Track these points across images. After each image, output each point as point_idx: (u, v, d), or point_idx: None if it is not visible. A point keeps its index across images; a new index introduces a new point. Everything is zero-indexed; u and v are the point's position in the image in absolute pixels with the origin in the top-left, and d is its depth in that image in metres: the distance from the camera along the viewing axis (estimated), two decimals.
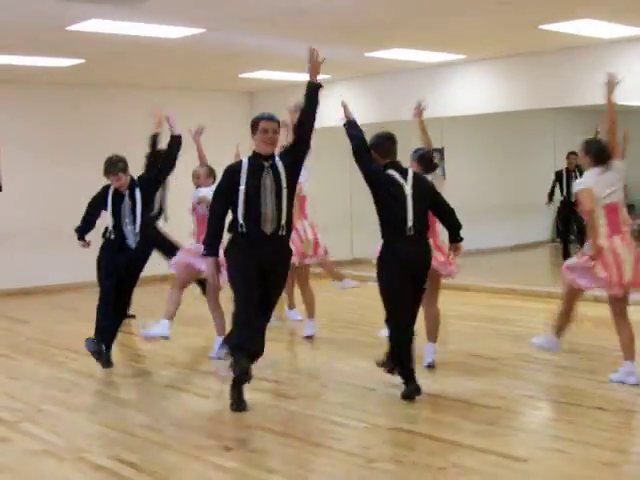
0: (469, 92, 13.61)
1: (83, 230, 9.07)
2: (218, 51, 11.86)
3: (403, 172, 7.20)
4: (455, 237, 7.45)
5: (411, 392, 7.07)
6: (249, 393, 7.29)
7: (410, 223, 7.02)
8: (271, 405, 7.16)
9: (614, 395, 7.18)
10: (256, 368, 8.23)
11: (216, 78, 15.00)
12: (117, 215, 8.69)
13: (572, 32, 10.76)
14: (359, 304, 11.55)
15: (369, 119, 14.58)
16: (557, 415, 6.96)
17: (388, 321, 7.16)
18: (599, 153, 7.51)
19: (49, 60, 12.33)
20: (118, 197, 8.75)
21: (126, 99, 15.51)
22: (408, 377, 7.10)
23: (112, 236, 8.69)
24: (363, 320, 9.92)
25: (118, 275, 8.61)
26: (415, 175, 7.27)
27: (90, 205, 9.08)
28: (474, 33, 11.03)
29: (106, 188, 8.91)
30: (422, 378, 7.31)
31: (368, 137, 7.37)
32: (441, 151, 16.11)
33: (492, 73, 13.38)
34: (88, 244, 9.11)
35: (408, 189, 7.08)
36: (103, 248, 8.87)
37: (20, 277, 14.40)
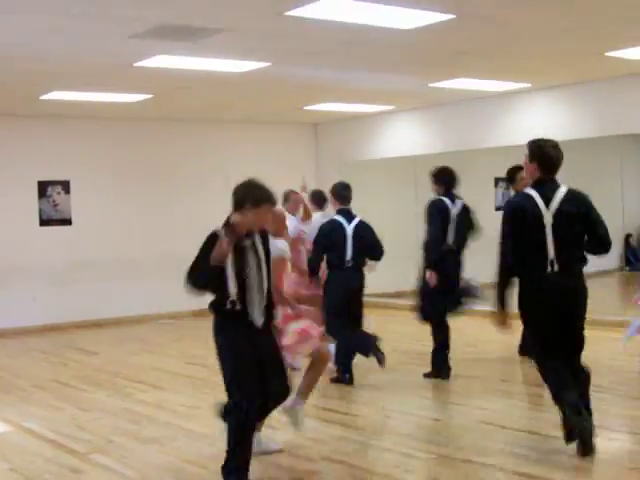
0: (535, 121, 13.53)
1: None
2: (283, 84, 11.96)
3: (350, 219, 9.20)
4: None
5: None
6: (315, 424, 7.30)
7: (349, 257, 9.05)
8: (340, 436, 7.16)
9: None
10: (326, 399, 8.27)
11: (281, 110, 15.12)
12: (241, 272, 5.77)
13: (638, 58, 10.67)
14: (422, 335, 11.52)
15: (434, 149, 14.62)
16: (631, 446, 6.86)
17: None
18: None
19: (117, 96, 12.54)
20: (239, 247, 5.77)
21: (193, 132, 15.69)
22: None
23: (238, 306, 5.74)
24: (426, 350, 9.85)
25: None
26: (360, 221, 9.21)
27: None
28: (539, 61, 10.99)
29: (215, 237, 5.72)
30: (491, 409, 7.25)
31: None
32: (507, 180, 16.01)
33: (558, 101, 13.31)
34: None
35: (350, 231, 9.06)
36: (223, 329, 5.85)
37: (90, 309, 14.58)
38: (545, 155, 6.24)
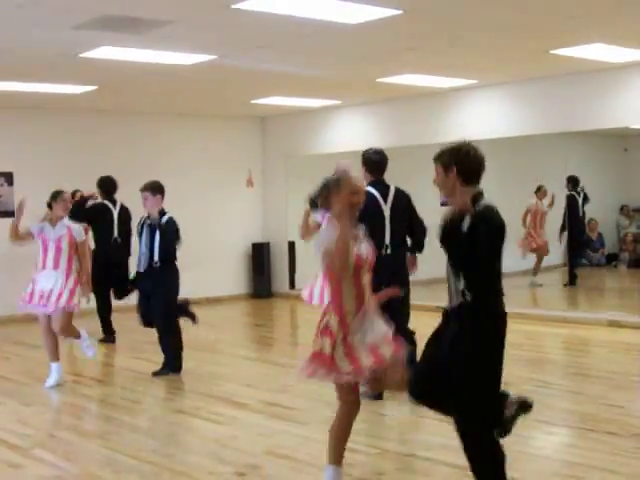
0: (481, 117, 13.63)
1: None
2: (229, 77, 11.91)
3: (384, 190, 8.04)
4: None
5: None
6: (258, 418, 7.30)
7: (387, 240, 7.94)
8: (283, 430, 7.15)
9: (627, 420, 7.16)
10: (270, 392, 8.27)
11: (228, 104, 15.06)
12: None
13: (583, 57, 10.78)
14: None
15: (380, 144, 14.60)
16: (571, 440, 6.92)
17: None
18: None
19: (62, 87, 12.40)
20: None
21: (138, 125, 15.57)
22: None
23: None
24: None
25: None
26: (396, 192, 8.07)
27: None
28: (485, 58, 11.06)
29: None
30: None
31: None
32: None
33: (503, 98, 13.40)
34: None
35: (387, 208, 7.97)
36: None
37: None
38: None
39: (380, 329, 5.26)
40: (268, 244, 16.94)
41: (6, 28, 8.44)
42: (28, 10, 7.74)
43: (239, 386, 8.84)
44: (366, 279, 5.26)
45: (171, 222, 9.41)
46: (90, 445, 6.94)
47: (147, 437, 7.16)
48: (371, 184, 7.92)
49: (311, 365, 5.20)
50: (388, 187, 8.05)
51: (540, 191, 15.65)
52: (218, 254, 16.44)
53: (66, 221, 9.18)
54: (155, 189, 9.41)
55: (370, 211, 6.88)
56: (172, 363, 9.38)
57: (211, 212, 16.23)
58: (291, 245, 16.77)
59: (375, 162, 8.07)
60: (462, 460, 6.04)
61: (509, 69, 12.00)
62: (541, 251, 15.82)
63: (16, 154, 14.42)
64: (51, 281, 9.01)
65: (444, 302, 4.86)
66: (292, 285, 16.78)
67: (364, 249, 5.27)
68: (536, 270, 15.75)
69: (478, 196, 4.79)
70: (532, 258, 16.23)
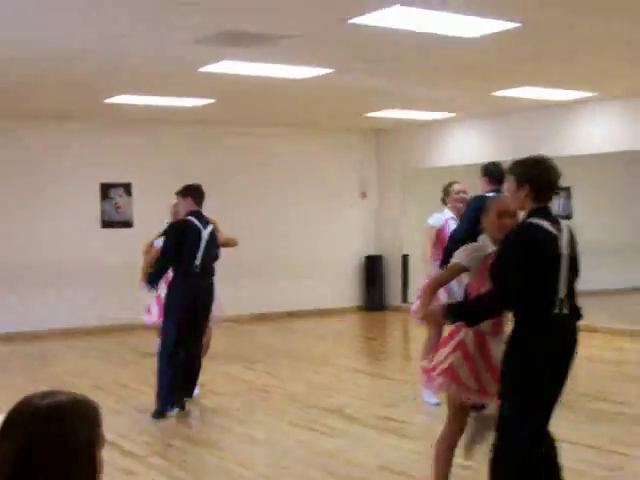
0: (600, 130, 13.39)
1: None
2: (346, 91, 11.95)
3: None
4: None
5: None
6: (369, 431, 7.29)
7: None
8: (396, 446, 7.12)
9: None
10: (379, 407, 8.24)
11: (342, 116, 15.11)
12: None
13: None
14: None
15: (496, 157, 14.47)
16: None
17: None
18: None
19: (180, 100, 12.63)
20: None
21: (253, 136, 15.70)
22: None
23: None
24: None
25: None
26: None
27: None
28: (606, 71, 10.87)
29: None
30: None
31: None
32: (569, 190, 15.87)
33: (624, 111, 13.14)
34: None
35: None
36: None
37: None
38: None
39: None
40: (381, 257, 16.93)
41: (128, 43, 8.63)
42: (149, 26, 7.90)
43: (351, 399, 8.84)
44: None
45: (170, 226, 8.64)
46: (204, 455, 7.03)
47: (260, 448, 7.21)
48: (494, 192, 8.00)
49: (444, 378, 5.10)
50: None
51: None
52: (330, 266, 16.49)
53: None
54: (184, 192, 8.57)
55: None
56: (157, 404, 8.35)
57: (324, 224, 16.30)
58: (404, 258, 16.74)
59: (496, 172, 8.18)
60: None
61: (630, 82, 11.77)
62: None
63: (135, 165, 14.75)
64: None
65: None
66: (405, 299, 16.74)
67: None
68: None
69: (533, 212, 4.63)
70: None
